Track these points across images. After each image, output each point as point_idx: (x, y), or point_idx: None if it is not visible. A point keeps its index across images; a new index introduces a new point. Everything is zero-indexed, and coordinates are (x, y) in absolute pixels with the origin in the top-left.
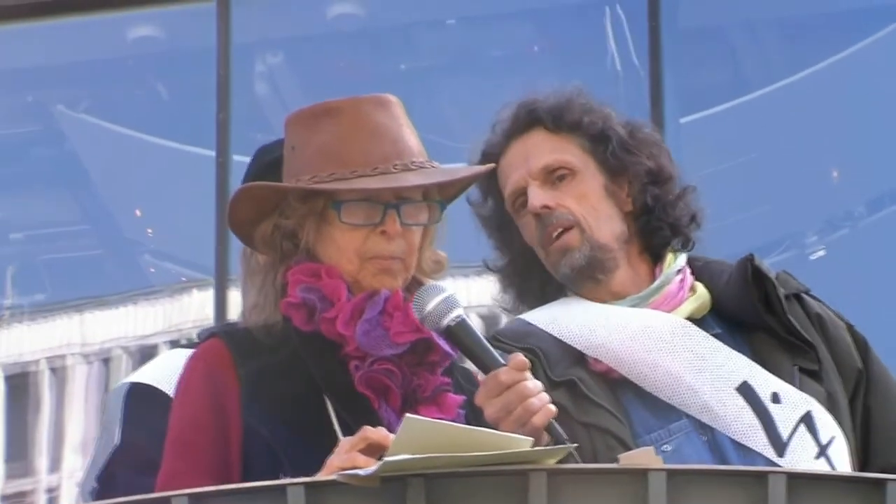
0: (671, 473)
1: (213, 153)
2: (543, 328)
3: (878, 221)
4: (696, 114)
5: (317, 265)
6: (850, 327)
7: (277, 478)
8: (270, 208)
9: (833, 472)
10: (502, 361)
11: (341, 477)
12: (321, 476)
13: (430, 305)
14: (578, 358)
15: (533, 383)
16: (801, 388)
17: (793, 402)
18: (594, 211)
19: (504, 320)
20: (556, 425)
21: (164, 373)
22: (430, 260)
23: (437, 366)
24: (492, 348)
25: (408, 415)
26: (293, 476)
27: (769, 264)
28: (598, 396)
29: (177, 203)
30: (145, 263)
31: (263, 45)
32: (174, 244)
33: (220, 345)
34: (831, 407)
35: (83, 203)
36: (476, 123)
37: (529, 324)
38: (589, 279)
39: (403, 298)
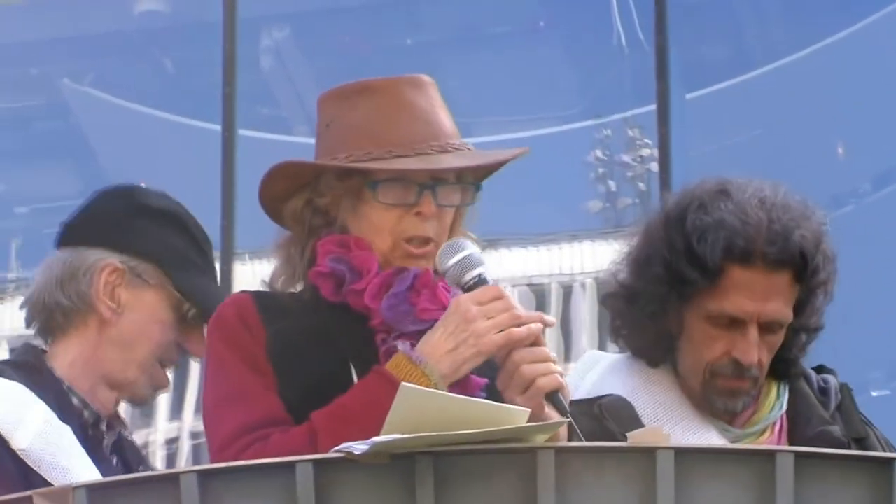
0: (679, 452)
1: (218, 127)
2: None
3: (884, 197)
4: (701, 90)
5: (347, 236)
6: None
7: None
8: (303, 184)
9: (840, 452)
10: None
11: (343, 452)
12: (331, 451)
13: (452, 260)
14: None
15: (542, 350)
16: None
17: None
18: (770, 359)
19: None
20: (562, 397)
21: None
22: None
23: None
24: None
25: (403, 383)
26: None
27: None
28: None
29: (181, 177)
30: None
31: (269, 19)
32: None
33: (248, 300)
34: None
35: (87, 176)
36: (481, 98)
37: (635, 412)
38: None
39: (433, 277)
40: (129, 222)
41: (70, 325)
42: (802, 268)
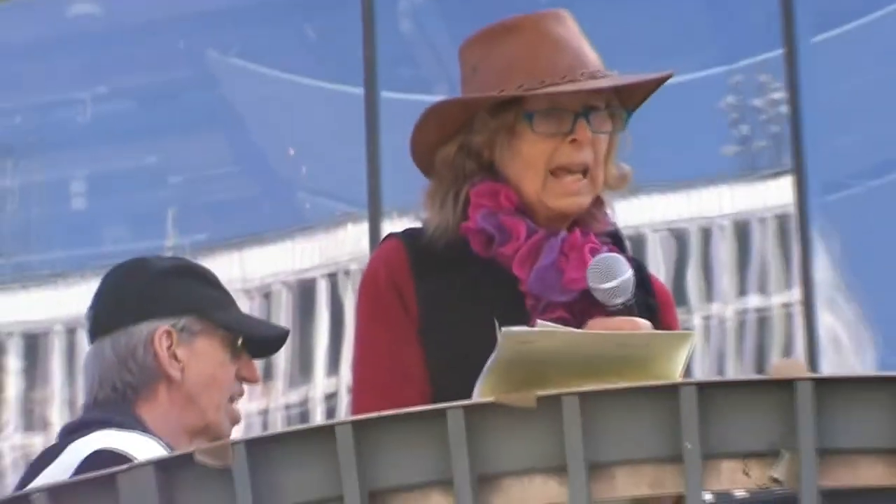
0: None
1: (360, 90)
2: None
3: None
4: (828, 32)
5: (496, 185)
6: None
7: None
8: (456, 128)
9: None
10: None
11: (498, 399)
12: (478, 396)
13: (603, 286)
14: None
15: None
16: None
17: None
18: None
19: None
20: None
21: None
22: (615, 174)
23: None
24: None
25: (502, 329)
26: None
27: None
28: None
29: (328, 140)
30: (300, 200)
31: None
32: (327, 180)
33: (400, 250)
34: None
35: (237, 145)
36: (615, 45)
37: None
38: None
39: (582, 235)
40: (155, 289)
41: (139, 397)
42: None
